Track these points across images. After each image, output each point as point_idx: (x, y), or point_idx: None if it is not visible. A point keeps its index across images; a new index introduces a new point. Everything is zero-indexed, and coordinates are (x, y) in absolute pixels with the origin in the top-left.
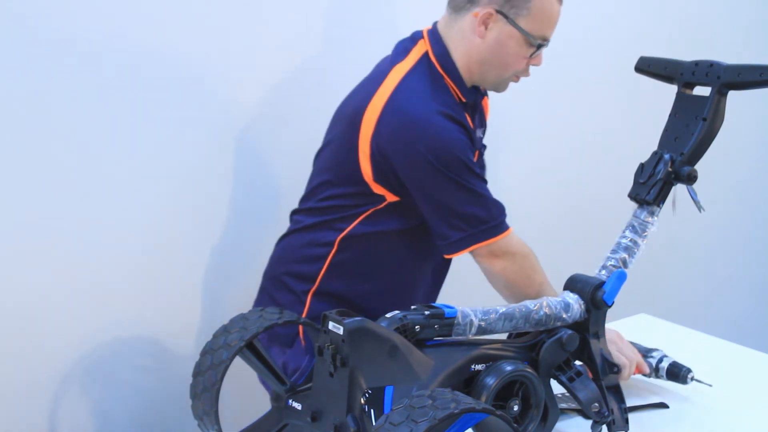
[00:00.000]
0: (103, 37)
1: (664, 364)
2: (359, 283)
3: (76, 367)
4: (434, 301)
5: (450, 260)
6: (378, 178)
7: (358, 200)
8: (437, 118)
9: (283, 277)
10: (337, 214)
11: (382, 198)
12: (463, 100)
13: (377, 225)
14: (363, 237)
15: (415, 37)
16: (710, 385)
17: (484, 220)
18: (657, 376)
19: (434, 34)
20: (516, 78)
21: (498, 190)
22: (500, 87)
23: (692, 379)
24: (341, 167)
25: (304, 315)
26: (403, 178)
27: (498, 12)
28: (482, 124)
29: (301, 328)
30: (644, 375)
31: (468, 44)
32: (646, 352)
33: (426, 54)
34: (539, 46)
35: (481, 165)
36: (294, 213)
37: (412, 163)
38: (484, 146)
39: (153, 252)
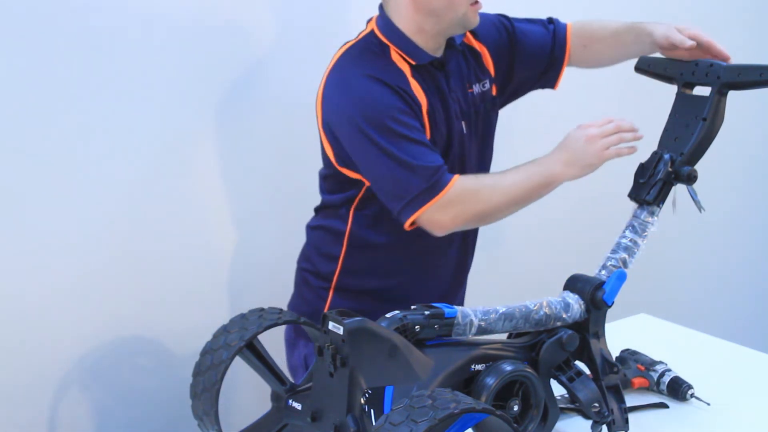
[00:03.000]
0: (106, 33)
1: (666, 379)
2: (376, 279)
3: (76, 367)
4: (460, 288)
5: (470, 247)
6: (339, 161)
7: (344, 189)
8: (361, 81)
9: (304, 273)
10: (338, 207)
11: (361, 183)
12: (412, 62)
13: (378, 216)
14: (369, 231)
15: (367, 21)
16: (708, 404)
17: (416, 185)
18: (658, 390)
19: (380, 12)
20: (475, 5)
21: None
22: (466, 22)
23: (692, 396)
24: (323, 159)
25: (326, 310)
26: (348, 148)
27: None
28: (478, 78)
29: None
30: (645, 387)
31: (406, 7)
32: (649, 365)
33: (371, 31)
34: None
35: (482, 121)
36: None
37: (348, 129)
38: (491, 101)
39: (153, 252)
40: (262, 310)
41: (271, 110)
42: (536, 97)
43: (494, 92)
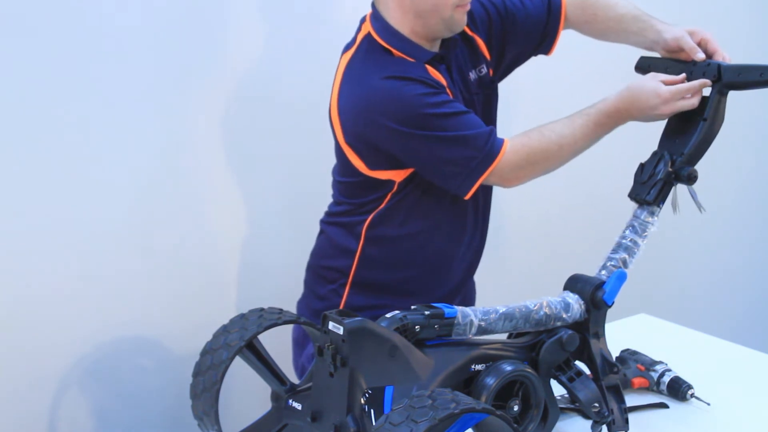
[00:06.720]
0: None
1: (666, 379)
2: (393, 272)
3: (76, 367)
4: (472, 276)
5: (484, 234)
6: (372, 166)
7: (372, 192)
8: (380, 84)
9: (320, 270)
10: (361, 207)
11: (391, 182)
12: (412, 60)
13: (398, 209)
14: (387, 223)
15: (361, 21)
16: (708, 404)
17: (472, 156)
18: (658, 390)
19: (374, 12)
20: (462, 7)
21: (498, 189)
22: (452, 26)
23: (692, 396)
24: (345, 168)
25: (341, 306)
26: (389, 150)
27: None
28: (474, 65)
29: None
30: (645, 387)
31: (398, 7)
32: (649, 365)
33: (368, 35)
34: None
35: (484, 106)
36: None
37: (383, 135)
38: (489, 84)
39: (153, 252)
40: (262, 310)
41: (277, 110)
42: (536, 96)
43: (491, 74)
